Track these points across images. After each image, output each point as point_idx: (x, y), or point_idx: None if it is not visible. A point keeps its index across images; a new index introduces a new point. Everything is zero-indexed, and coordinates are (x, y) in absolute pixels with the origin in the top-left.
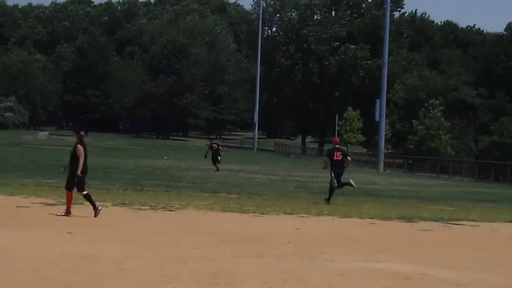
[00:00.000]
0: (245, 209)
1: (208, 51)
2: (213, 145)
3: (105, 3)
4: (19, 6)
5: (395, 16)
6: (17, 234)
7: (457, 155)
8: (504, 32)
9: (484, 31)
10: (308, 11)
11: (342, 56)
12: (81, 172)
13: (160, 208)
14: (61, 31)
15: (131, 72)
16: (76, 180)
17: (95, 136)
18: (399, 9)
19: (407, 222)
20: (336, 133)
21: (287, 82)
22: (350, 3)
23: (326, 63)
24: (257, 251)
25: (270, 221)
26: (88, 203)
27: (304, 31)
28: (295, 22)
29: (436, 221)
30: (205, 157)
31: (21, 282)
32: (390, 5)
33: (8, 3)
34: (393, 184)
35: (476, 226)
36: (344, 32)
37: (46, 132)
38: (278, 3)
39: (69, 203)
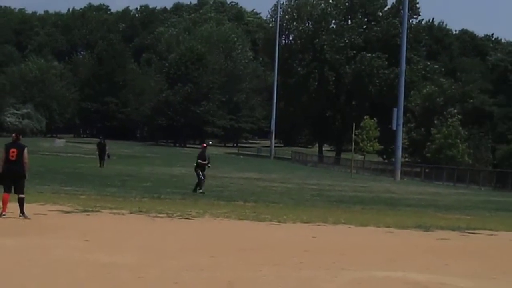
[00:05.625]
0: (261, 217)
1: (225, 59)
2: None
3: (122, 10)
4: (37, 14)
5: (412, 24)
6: (34, 242)
7: (474, 164)
8: None
9: (502, 40)
10: (323, 20)
11: (358, 65)
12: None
13: (176, 216)
14: (79, 38)
15: (148, 80)
16: None
17: (112, 143)
18: (415, 16)
19: (424, 231)
20: (353, 142)
21: (304, 91)
22: (366, 11)
23: (342, 72)
24: (273, 259)
25: (286, 230)
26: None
27: (318, 40)
28: (310, 31)
29: (453, 230)
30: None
31: None
32: (407, 13)
33: (26, 11)
34: (410, 193)
35: (493, 235)
36: (360, 40)
37: (63, 140)
38: (295, 11)
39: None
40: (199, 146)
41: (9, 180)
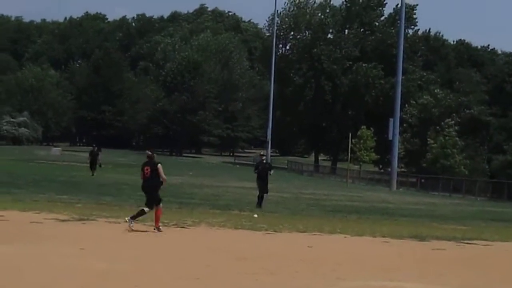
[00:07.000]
0: (257, 227)
1: (222, 68)
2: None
3: (119, 19)
4: (34, 22)
5: (408, 34)
6: (30, 250)
7: (470, 174)
8: None
9: (499, 51)
10: (320, 30)
11: (354, 75)
12: None
13: (172, 225)
14: (75, 47)
15: (144, 89)
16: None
17: (108, 152)
18: (412, 26)
19: (419, 241)
20: (349, 151)
21: (300, 100)
22: (363, 21)
23: (338, 82)
24: (269, 268)
25: (282, 239)
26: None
27: (316, 50)
28: (307, 41)
29: (449, 240)
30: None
31: None
32: (404, 23)
33: (24, 19)
34: (406, 203)
35: (488, 245)
36: (356, 50)
37: (59, 148)
38: (292, 20)
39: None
40: (195, 155)
41: (145, 195)
